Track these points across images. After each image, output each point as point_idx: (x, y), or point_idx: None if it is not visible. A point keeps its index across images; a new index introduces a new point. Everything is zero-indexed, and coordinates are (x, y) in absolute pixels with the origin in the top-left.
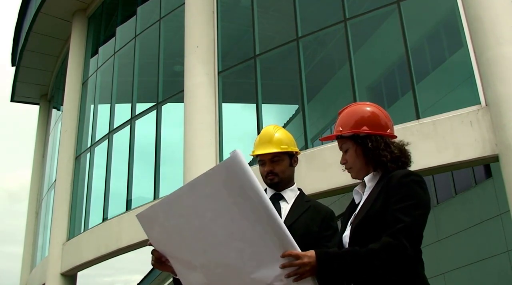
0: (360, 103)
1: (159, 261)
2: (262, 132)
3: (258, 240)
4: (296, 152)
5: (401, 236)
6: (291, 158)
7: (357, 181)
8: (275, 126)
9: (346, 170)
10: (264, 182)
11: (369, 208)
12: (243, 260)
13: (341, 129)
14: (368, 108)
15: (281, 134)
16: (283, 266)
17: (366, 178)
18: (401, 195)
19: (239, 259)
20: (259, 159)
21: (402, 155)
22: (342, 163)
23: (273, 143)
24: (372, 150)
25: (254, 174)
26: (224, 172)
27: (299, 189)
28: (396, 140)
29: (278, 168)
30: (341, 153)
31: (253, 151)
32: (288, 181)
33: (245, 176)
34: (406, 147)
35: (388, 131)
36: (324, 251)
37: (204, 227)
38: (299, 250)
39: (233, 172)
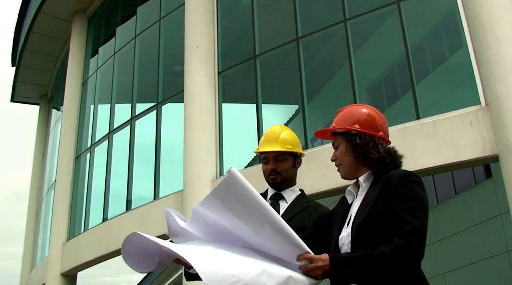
0: (358, 105)
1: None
2: (268, 130)
3: (270, 249)
4: (300, 154)
5: (411, 237)
6: (295, 159)
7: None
8: (281, 126)
9: (337, 168)
10: (266, 180)
11: (370, 210)
12: (262, 268)
13: (334, 125)
14: (364, 110)
15: (287, 134)
16: (299, 268)
17: (361, 178)
18: (403, 195)
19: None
20: (263, 157)
21: (388, 156)
22: (332, 159)
23: (278, 142)
24: (361, 146)
25: (254, 186)
26: (224, 193)
27: (300, 190)
28: (390, 145)
29: (281, 167)
30: None
31: (258, 148)
32: (290, 182)
33: (245, 192)
34: (399, 154)
35: (380, 133)
36: (338, 255)
37: (225, 237)
38: (311, 252)
39: (233, 191)
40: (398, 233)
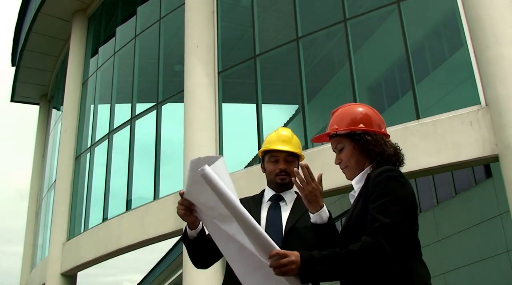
0: (353, 104)
1: (189, 209)
2: (279, 131)
3: (248, 241)
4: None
5: (379, 234)
6: (298, 162)
7: None
8: (288, 129)
9: (342, 170)
10: (270, 180)
11: (351, 213)
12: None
13: (336, 127)
14: (361, 108)
15: (296, 139)
16: (270, 265)
17: (353, 181)
18: (376, 193)
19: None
20: (271, 156)
21: (395, 154)
22: (337, 163)
23: (292, 144)
24: (372, 145)
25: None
26: (194, 184)
27: (296, 192)
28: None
29: (290, 168)
30: None
31: (268, 146)
32: (292, 184)
33: (215, 190)
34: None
35: (383, 130)
36: (308, 253)
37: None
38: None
39: (203, 186)
40: (368, 232)
